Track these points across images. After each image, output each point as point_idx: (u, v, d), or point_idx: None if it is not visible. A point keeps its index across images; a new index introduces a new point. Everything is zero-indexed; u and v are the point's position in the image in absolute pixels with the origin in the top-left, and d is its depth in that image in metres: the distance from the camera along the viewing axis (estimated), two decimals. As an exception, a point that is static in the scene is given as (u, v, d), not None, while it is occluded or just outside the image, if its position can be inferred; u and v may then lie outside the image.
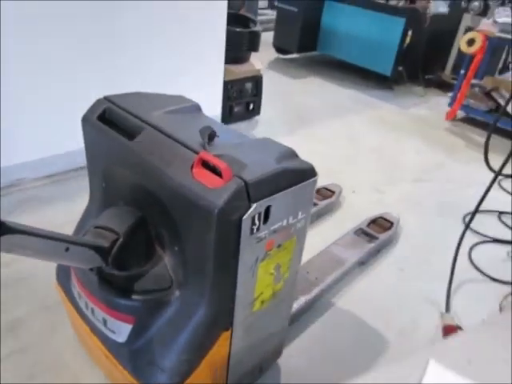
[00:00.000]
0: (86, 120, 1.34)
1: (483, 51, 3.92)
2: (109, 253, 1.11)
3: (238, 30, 3.29)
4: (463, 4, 5.01)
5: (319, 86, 5.04)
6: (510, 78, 4.18)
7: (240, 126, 3.71)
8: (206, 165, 1.06)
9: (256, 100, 3.74)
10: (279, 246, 1.24)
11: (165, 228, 1.19)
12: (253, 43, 3.37)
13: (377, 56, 4.96)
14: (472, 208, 2.08)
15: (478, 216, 2.07)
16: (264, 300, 1.33)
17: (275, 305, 1.41)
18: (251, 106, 3.77)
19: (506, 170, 2.02)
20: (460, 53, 4.48)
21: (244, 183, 1.02)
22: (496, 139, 4.10)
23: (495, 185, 3.19)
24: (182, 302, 1.20)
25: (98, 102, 1.34)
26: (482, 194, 2.05)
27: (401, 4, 4.77)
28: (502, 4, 4.62)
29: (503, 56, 4.79)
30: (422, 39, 4.86)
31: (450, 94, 4.93)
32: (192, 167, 1.06)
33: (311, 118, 4.10)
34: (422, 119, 4.42)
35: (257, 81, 3.63)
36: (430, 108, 4.78)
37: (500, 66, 4.79)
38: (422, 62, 5.07)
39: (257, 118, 3.88)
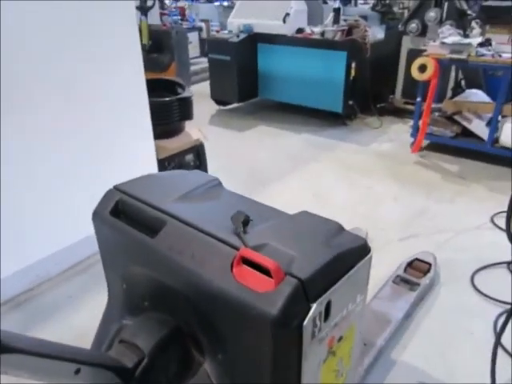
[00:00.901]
0: (97, 215, 1.22)
1: (437, 75, 3.61)
2: (132, 375, 0.95)
3: (164, 99, 2.77)
4: (400, 27, 4.80)
5: (269, 135, 4.58)
6: (470, 98, 3.88)
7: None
8: (247, 262, 0.93)
9: (201, 170, 3.20)
10: (340, 338, 1.10)
11: (204, 334, 1.05)
12: (184, 111, 2.86)
13: (324, 94, 4.61)
14: (477, 261, 1.95)
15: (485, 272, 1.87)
16: None
17: None
18: (196, 180, 3.22)
19: None
20: (407, 75, 4.19)
21: (300, 282, 0.89)
22: (468, 163, 3.76)
23: (489, 223, 2.75)
24: None
25: (109, 193, 1.22)
26: (478, 239, 1.99)
27: (337, 38, 4.47)
28: (440, 23, 4.42)
29: (452, 74, 4.54)
30: (367, 69, 4.56)
31: (407, 120, 4.64)
32: (232, 266, 0.94)
33: (267, 176, 3.60)
34: (386, 155, 4.03)
35: (197, 150, 3.11)
36: (391, 139, 4.42)
37: (452, 84, 4.54)
38: (371, 91, 4.76)
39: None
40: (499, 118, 3.58)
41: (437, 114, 3.93)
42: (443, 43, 3.56)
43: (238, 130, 4.74)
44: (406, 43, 4.73)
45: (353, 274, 1.02)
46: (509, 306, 2.14)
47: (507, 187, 3.36)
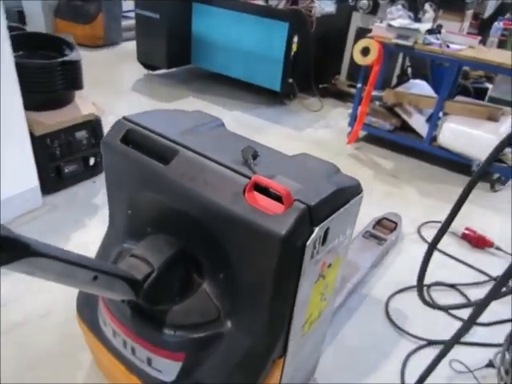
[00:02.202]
0: (106, 144, 1.25)
1: (380, 61, 3.25)
2: (141, 286, 1.04)
3: (41, 61, 2.20)
4: (350, 2, 4.36)
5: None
6: (413, 89, 3.57)
7: (78, 191, 2.65)
8: (257, 188, 1.01)
9: (98, 151, 2.68)
10: (329, 265, 1.20)
11: (206, 255, 1.15)
12: (71, 78, 2.31)
13: (262, 69, 4.14)
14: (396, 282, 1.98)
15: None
16: (312, 321, 1.30)
17: (319, 324, 1.38)
18: (92, 161, 2.72)
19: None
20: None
21: (307, 207, 0.98)
22: (403, 160, 3.49)
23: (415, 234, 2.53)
24: (236, 333, 1.14)
25: (118, 123, 1.24)
26: (401, 254, 2.10)
27: (281, 6, 3.97)
28: (392, 1, 4.04)
29: (400, 60, 4.22)
30: (311, 45, 4.13)
31: (349, 105, 4.30)
32: (244, 192, 1.00)
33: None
34: (321, 144, 3.68)
35: (93, 126, 2.58)
36: (329, 125, 4.08)
37: (397, 71, 4.22)
38: (314, 70, 4.35)
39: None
40: (440, 114, 3.31)
41: (377, 102, 3.60)
42: (390, 26, 3.18)
43: (164, 100, 4.18)
44: (356, 21, 4.32)
45: (347, 208, 1.13)
46: (423, 342, 1.90)
47: (439, 191, 3.14)
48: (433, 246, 1.25)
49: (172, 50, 4.33)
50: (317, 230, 1.00)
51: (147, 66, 4.66)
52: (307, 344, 1.36)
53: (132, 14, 6.12)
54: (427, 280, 2.16)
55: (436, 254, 2.46)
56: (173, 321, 1.13)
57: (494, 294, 1.15)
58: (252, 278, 1.08)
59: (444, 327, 1.92)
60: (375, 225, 2.54)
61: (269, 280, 1.03)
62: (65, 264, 0.84)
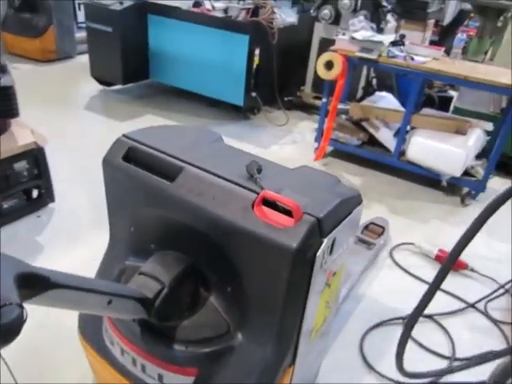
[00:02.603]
0: (107, 162, 1.26)
1: (345, 75, 3.13)
2: (153, 304, 1.05)
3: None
4: (312, 12, 4.25)
5: (157, 128, 3.86)
6: (379, 102, 3.48)
7: (19, 229, 2.38)
8: (266, 203, 1.04)
9: (42, 182, 2.43)
10: (334, 273, 1.24)
11: (214, 269, 1.16)
12: (4, 106, 2.06)
13: (223, 83, 3.96)
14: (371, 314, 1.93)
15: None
16: (318, 329, 1.32)
17: (323, 331, 1.41)
18: (36, 193, 2.46)
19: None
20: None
21: (316, 220, 1.01)
22: (373, 176, 3.38)
23: (388, 259, 2.44)
24: (247, 345, 1.15)
25: (119, 141, 1.26)
26: (373, 284, 2.08)
27: (240, 18, 3.81)
28: (354, 11, 3.95)
29: (364, 72, 4.13)
30: (273, 57, 3.98)
31: (316, 117, 4.17)
32: (253, 207, 1.03)
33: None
34: (287, 161, 3.44)
35: (35, 156, 2.32)
36: (295, 141, 3.94)
37: (363, 83, 4.14)
38: (278, 82, 4.20)
39: (51, 206, 2.56)
40: (408, 128, 3.22)
41: (344, 116, 3.49)
42: (353, 38, 3.07)
43: (121, 118, 3.91)
44: (318, 31, 4.21)
45: (351, 218, 1.17)
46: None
47: (410, 208, 3.04)
48: (409, 328, 1.11)
49: (128, 65, 4.08)
50: (325, 240, 1.05)
51: (102, 81, 4.40)
52: (313, 351, 1.40)
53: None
54: (404, 309, 2.05)
55: (410, 280, 2.36)
56: (183, 336, 1.15)
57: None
58: (262, 290, 1.10)
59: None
60: (363, 230, 2.58)
61: (279, 292, 1.05)
62: (82, 292, 0.85)
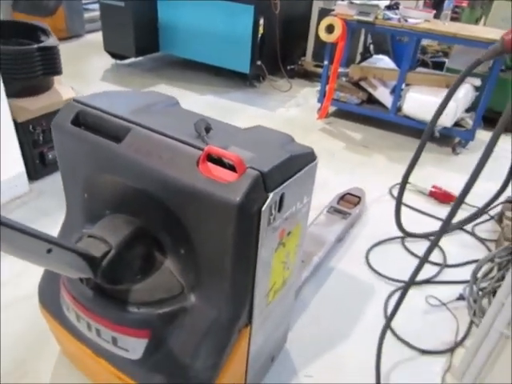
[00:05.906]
0: (57, 126, 1.22)
1: (345, 38, 3.42)
2: (99, 264, 1.04)
3: (19, 47, 2.23)
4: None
5: (170, 96, 4.14)
6: (376, 64, 3.77)
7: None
8: (211, 159, 1.02)
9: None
10: (289, 233, 1.23)
11: (166, 232, 1.14)
12: (49, 63, 2.35)
13: (230, 52, 4.23)
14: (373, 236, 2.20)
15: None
16: (276, 290, 1.32)
17: (284, 293, 1.41)
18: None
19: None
20: (318, 37, 3.96)
21: (260, 174, 0.99)
22: (372, 131, 3.70)
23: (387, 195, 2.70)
24: (200, 306, 1.16)
25: (68, 105, 1.22)
26: (375, 212, 2.27)
27: (244, -11, 4.06)
28: (352, -19, 4.20)
29: (362, 38, 4.41)
30: (276, 27, 4.25)
31: (317, 84, 4.46)
32: (197, 164, 1.01)
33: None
34: (293, 121, 3.83)
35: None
36: (299, 104, 4.23)
37: (360, 49, 4.41)
38: (281, 52, 4.48)
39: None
40: (403, 85, 3.52)
41: (344, 79, 3.78)
42: (351, 3, 3.35)
43: (135, 88, 4.22)
44: (317, 2, 4.47)
45: (302, 175, 1.16)
46: (401, 284, 2.08)
47: (406, 157, 3.33)
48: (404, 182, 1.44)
49: (139, 38, 4.35)
50: (271, 195, 1.02)
51: (115, 55, 4.67)
52: (274, 313, 1.39)
53: (92, 7, 6.09)
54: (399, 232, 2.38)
55: (407, 211, 2.69)
56: (135, 299, 1.14)
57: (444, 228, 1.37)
58: (212, 249, 1.08)
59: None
60: (339, 200, 2.59)
61: (228, 249, 1.04)
62: (20, 234, 0.83)
